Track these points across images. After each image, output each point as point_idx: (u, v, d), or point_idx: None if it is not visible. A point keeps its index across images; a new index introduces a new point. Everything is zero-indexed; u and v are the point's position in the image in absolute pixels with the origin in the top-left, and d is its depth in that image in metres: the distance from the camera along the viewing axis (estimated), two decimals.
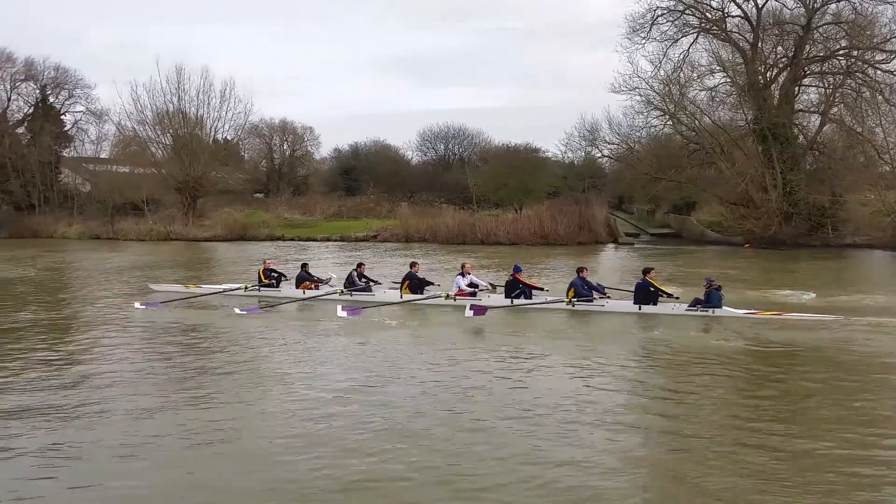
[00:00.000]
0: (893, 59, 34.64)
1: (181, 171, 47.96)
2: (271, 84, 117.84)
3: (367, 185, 57.44)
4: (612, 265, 28.16)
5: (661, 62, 38.46)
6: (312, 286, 17.17)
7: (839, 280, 21.76)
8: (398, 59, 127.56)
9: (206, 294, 17.44)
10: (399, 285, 16.42)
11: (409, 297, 15.86)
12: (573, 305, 14.65)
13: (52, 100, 59.07)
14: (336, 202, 54.31)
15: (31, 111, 58.73)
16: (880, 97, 34.47)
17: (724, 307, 13.83)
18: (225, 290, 17.50)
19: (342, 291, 16.53)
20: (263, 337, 12.69)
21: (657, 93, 39.05)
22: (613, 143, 44.42)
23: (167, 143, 50.80)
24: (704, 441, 7.10)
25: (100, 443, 7.19)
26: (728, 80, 38.43)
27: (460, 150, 66.03)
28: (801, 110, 38.61)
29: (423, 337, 12.83)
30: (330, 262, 27.51)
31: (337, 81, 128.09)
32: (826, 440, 7.02)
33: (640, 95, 39.26)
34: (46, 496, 6.05)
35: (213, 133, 51.74)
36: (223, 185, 53.07)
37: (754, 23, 37.10)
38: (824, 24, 36.40)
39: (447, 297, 15.45)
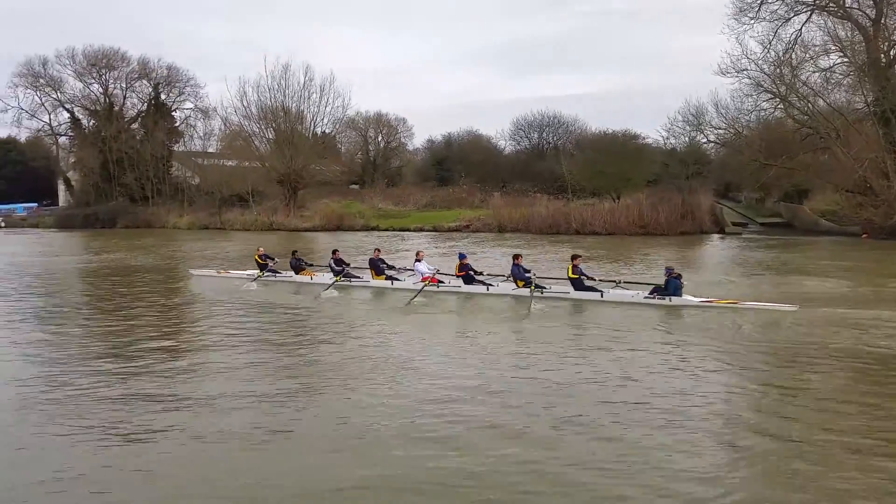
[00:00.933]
0: None
1: (283, 164, 49.70)
2: (367, 77, 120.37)
3: (460, 176, 57.52)
4: (719, 257, 26.84)
5: (770, 43, 36.25)
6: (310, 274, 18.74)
7: None
8: (493, 49, 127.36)
9: (243, 279, 19.06)
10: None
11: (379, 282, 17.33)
12: (541, 293, 15.06)
13: (163, 97, 62.54)
14: (429, 192, 54.68)
15: (144, 108, 62.36)
16: None
17: (683, 296, 13.91)
18: (249, 276, 19.15)
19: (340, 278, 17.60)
20: (357, 324, 12.89)
21: (767, 75, 36.76)
22: (720, 128, 42.22)
23: (270, 137, 52.77)
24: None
25: (223, 433, 7.29)
26: (845, 59, 35.71)
27: (555, 138, 65.06)
28: None
29: (496, 326, 12.64)
30: (428, 252, 27.66)
31: (431, 73, 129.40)
32: None
33: (749, 78, 37.06)
34: (179, 483, 6.18)
35: (312, 127, 53.38)
36: (321, 177, 54.61)
37: None
38: None
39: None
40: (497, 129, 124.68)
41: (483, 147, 64.73)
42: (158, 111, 60.62)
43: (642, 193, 40.75)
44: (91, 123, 61.41)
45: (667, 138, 47.08)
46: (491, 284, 16.00)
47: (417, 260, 17.14)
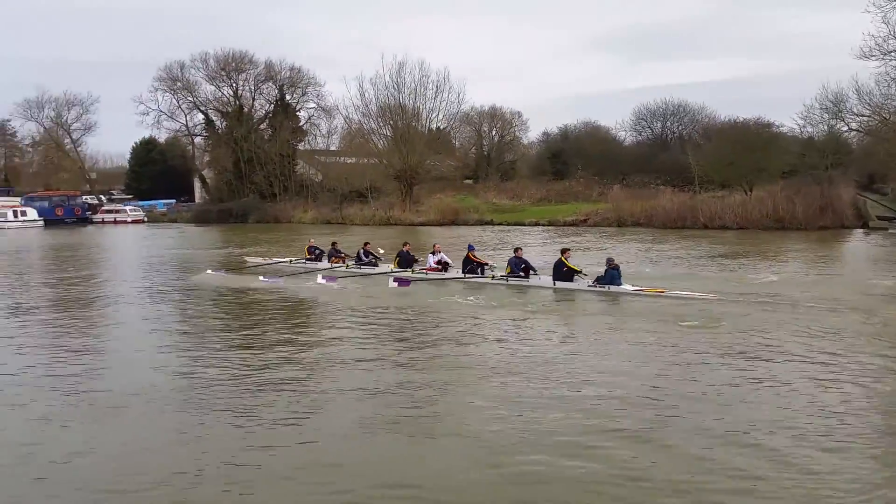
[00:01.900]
0: None
1: (399, 161, 50.49)
2: (481, 71, 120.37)
3: (577, 169, 56.10)
4: (864, 254, 24.33)
5: None
6: (340, 261, 20.41)
7: None
8: (614, 37, 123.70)
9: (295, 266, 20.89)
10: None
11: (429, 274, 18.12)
12: (507, 281, 16.55)
13: (288, 98, 65.18)
14: (544, 186, 53.79)
15: (271, 109, 65.34)
16: None
17: (622, 284, 15.06)
18: (291, 261, 21.46)
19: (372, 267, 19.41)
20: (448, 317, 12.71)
21: None
22: (863, 115, 38.47)
23: (387, 134, 53.74)
24: None
25: (322, 429, 7.21)
26: None
27: (680, 127, 62.23)
28: None
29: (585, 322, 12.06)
30: (538, 248, 27.07)
31: (548, 64, 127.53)
32: None
33: None
34: (281, 477, 6.10)
35: (427, 123, 53.83)
36: (436, 173, 55.02)
37: None
38: None
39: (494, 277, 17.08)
40: (617, 119, 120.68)
41: (602, 138, 62.81)
42: (284, 111, 63.35)
43: (776, 185, 38.00)
44: (223, 124, 65.12)
45: (803, 127, 43.52)
46: (492, 274, 17.22)
47: (433, 252, 18.75)
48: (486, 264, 17.57)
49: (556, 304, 14.71)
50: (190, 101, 66.02)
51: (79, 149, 79.92)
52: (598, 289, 15.18)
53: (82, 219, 66.46)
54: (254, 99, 65.27)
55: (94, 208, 69.02)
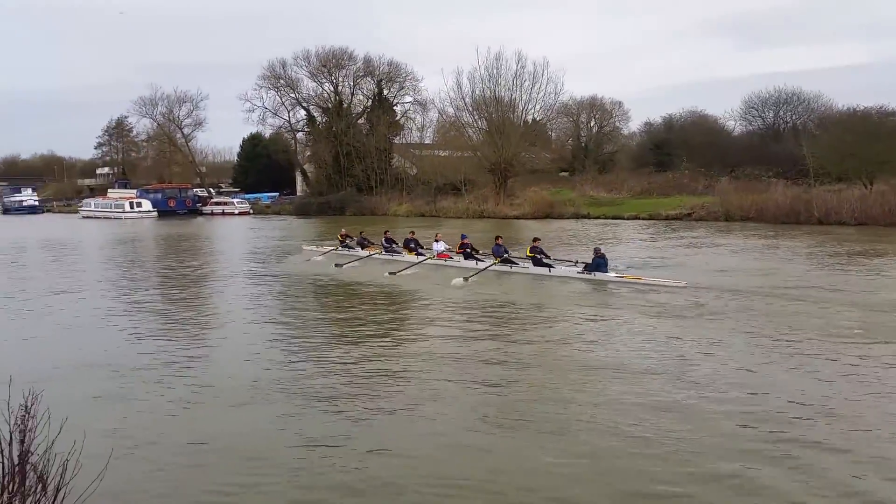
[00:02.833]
0: None
1: (494, 153, 49.90)
2: (581, 61, 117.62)
3: (681, 160, 53.57)
4: None
5: None
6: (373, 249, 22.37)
7: None
8: (722, 22, 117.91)
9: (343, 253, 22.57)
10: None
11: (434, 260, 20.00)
12: (510, 267, 18.44)
13: (385, 92, 65.95)
14: (645, 179, 51.63)
15: (369, 104, 66.31)
16: None
17: (608, 272, 16.50)
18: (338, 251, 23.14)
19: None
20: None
21: None
22: None
23: (482, 127, 53.27)
24: None
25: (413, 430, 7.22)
26: None
27: (794, 116, 58.26)
28: None
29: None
30: (636, 242, 25.90)
31: (651, 51, 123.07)
32: None
33: None
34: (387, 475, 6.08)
35: (523, 115, 52.91)
36: (531, 165, 54.02)
37: None
38: None
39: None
40: (725, 108, 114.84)
41: (708, 128, 59.77)
42: (381, 106, 64.16)
43: None
44: (323, 119, 66.77)
45: None
46: (480, 260, 19.08)
47: (436, 240, 20.80)
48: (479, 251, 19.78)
49: (592, 292, 15.63)
50: (292, 98, 68.19)
51: (189, 143, 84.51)
52: (585, 275, 16.73)
53: (192, 210, 70.05)
54: (352, 94, 66.61)
55: (204, 200, 72.57)
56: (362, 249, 22.52)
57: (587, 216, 43.63)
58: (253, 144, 79.55)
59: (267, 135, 77.03)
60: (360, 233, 24.07)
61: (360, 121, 66.16)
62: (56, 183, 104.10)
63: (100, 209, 68.98)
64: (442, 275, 18.18)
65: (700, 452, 6.31)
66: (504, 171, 50.36)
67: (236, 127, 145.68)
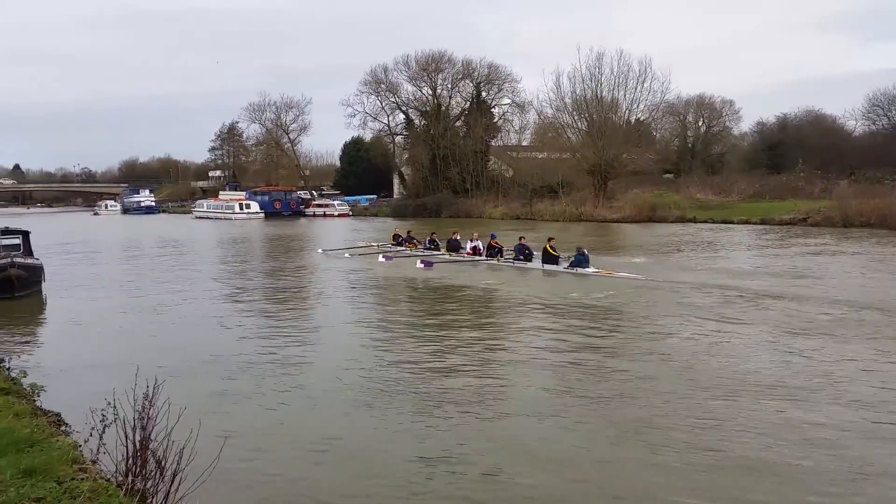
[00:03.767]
0: None
1: (594, 155, 48.78)
2: (689, 57, 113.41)
3: (796, 162, 50.52)
4: None
5: None
6: (413, 246, 24.77)
7: None
8: (843, 15, 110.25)
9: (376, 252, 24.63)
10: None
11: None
12: (513, 263, 20.69)
13: (483, 94, 65.98)
14: (756, 181, 49.06)
15: (467, 106, 66.52)
16: None
17: (589, 267, 18.64)
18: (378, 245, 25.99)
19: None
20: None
21: None
22: None
23: (582, 127, 52.23)
24: None
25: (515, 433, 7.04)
26: None
27: None
28: None
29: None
30: (746, 247, 24.49)
31: (763, 47, 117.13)
32: None
33: None
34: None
35: (626, 115, 51.47)
36: (633, 167, 52.42)
37: None
38: None
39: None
40: (845, 107, 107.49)
41: (826, 128, 56.23)
42: (479, 108, 64.21)
43: None
44: (421, 123, 67.59)
45: None
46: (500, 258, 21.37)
47: (470, 239, 22.88)
48: (503, 248, 21.78)
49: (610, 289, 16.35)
50: (392, 102, 69.49)
51: (295, 148, 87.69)
52: (569, 271, 18.90)
53: (296, 212, 72.60)
54: (450, 97, 67.06)
55: (307, 202, 75.06)
56: (407, 247, 25.09)
57: (693, 220, 41.79)
58: (356, 148, 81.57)
59: (367, 139, 78.90)
60: (408, 232, 26.60)
61: (457, 123, 66.51)
62: (171, 185, 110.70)
63: (211, 210, 72.68)
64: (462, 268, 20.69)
65: None
66: (604, 172, 49.09)
67: (338, 131, 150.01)
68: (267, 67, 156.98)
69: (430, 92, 66.80)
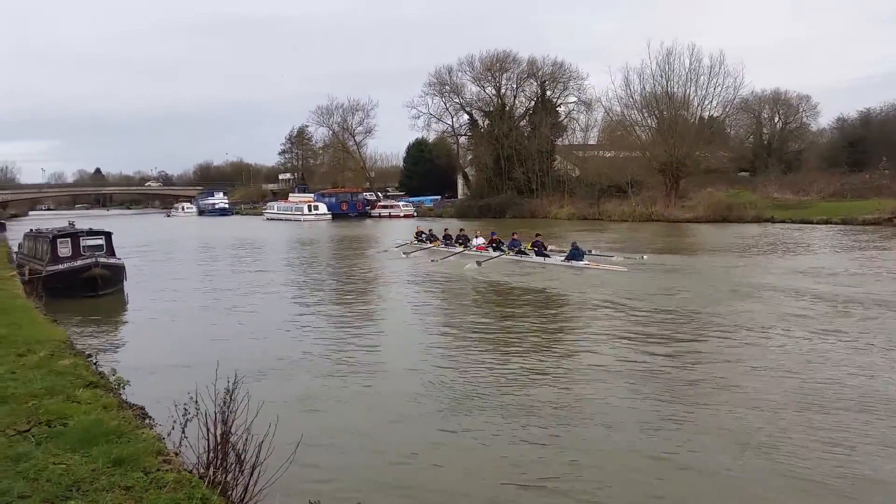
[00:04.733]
0: None
1: (665, 153, 47.58)
2: (765, 52, 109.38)
3: (880, 159, 47.87)
4: None
5: None
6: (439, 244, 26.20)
7: None
8: None
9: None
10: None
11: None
12: (520, 258, 22.11)
13: (549, 93, 65.28)
14: (837, 180, 46.74)
15: (531, 106, 65.93)
16: None
17: (583, 260, 20.25)
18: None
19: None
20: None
21: None
22: None
23: (652, 125, 51.02)
24: None
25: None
26: None
27: None
28: None
29: None
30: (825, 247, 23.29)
31: (843, 40, 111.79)
32: None
33: None
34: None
35: (698, 111, 50.01)
36: (706, 165, 50.85)
37: None
38: None
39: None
40: None
41: None
42: (544, 107, 63.55)
43: None
44: (485, 123, 67.40)
45: None
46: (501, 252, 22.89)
47: (477, 237, 25.30)
48: (502, 242, 23.41)
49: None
50: (456, 103, 69.64)
51: (361, 150, 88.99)
52: (565, 264, 20.36)
53: (362, 213, 73.60)
54: (515, 97, 66.65)
55: (372, 204, 76.01)
56: (430, 244, 26.86)
57: (770, 220, 40.19)
58: (420, 149, 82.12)
59: (431, 140, 79.29)
60: (461, 230, 27.70)
61: (521, 123, 66.02)
62: (244, 187, 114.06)
63: (281, 212, 74.49)
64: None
65: None
66: (676, 171, 47.81)
67: (402, 132, 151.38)
68: (335, 71, 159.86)
69: (494, 92, 66.62)
